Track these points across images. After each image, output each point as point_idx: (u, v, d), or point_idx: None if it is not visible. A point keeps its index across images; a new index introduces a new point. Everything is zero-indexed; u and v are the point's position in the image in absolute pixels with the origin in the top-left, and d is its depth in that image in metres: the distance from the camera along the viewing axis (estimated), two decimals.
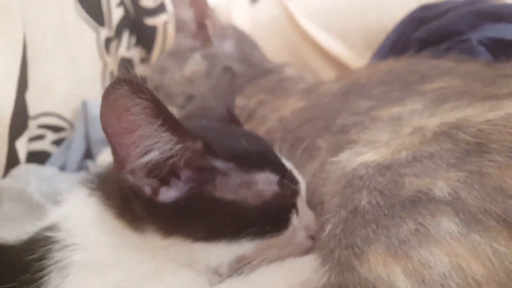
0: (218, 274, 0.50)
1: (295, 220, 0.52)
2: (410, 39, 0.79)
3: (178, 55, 0.92)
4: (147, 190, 0.45)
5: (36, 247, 0.49)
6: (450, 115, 0.46)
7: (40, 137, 0.98)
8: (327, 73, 0.98)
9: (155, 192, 0.46)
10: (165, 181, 0.46)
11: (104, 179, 0.54)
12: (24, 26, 0.89)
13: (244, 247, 0.49)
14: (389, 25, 0.88)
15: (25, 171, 0.83)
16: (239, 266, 0.50)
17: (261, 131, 0.71)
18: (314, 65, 1.00)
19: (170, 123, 0.43)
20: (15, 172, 0.84)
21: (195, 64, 0.89)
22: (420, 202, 0.39)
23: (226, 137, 0.51)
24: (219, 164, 0.48)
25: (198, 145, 0.46)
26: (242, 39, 0.95)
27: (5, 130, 0.86)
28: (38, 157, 0.96)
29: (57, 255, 0.47)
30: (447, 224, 0.37)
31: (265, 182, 0.50)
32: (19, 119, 0.89)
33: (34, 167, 0.86)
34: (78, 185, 0.56)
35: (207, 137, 0.47)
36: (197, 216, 0.47)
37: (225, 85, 0.63)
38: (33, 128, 0.96)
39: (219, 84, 0.63)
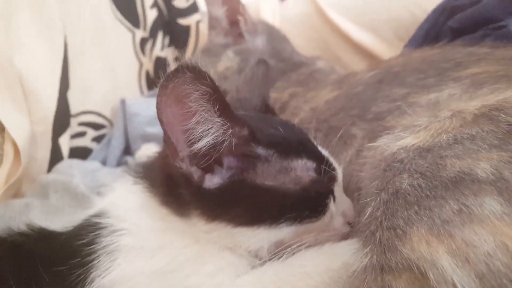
0: (258, 258, 0.51)
1: (332, 206, 0.52)
2: (443, 29, 0.78)
3: (211, 52, 0.93)
4: (196, 177, 0.46)
5: (85, 233, 0.51)
6: (490, 97, 0.45)
7: (81, 134, 1.01)
8: (358, 66, 0.97)
9: (201, 179, 0.47)
10: (209, 169, 0.47)
11: (148, 168, 0.56)
12: (64, 28, 0.93)
13: (283, 232, 0.49)
14: (420, 16, 0.87)
15: (69, 165, 0.86)
16: (279, 251, 0.50)
17: (294, 122, 0.71)
18: (344, 58, 1.00)
19: (224, 109, 0.44)
20: (59, 166, 0.87)
21: (228, 60, 0.90)
22: (463, 183, 0.38)
23: (264, 125, 0.52)
24: (261, 151, 0.49)
25: (245, 131, 0.47)
26: (272, 34, 0.95)
27: (49, 128, 0.89)
28: (79, 153, 0.99)
29: (105, 240, 0.49)
30: (491, 204, 0.36)
31: (303, 169, 0.50)
32: (62, 117, 0.93)
33: (77, 161, 0.89)
34: (123, 175, 0.58)
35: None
36: (239, 202, 0.48)
37: (260, 77, 0.64)
38: (74, 125, 1.00)
39: (254, 76, 0.64)
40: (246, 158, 0.48)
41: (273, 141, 0.50)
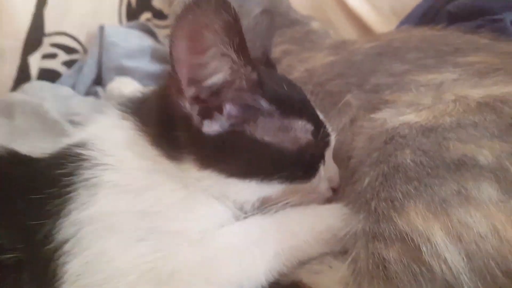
0: (243, 211, 0.50)
1: (322, 170, 0.52)
2: (441, 12, 0.78)
3: None
4: (196, 119, 0.44)
5: (65, 162, 0.47)
6: (494, 88, 0.46)
7: (52, 56, 0.94)
8: (349, 33, 0.96)
9: (200, 123, 0.45)
10: (208, 115, 0.45)
11: (140, 104, 0.52)
12: None
13: (273, 189, 0.49)
14: None
15: (39, 88, 0.80)
16: (264, 207, 0.50)
17: None
18: (336, 22, 0.97)
19: (242, 45, 0.41)
20: (28, 87, 0.81)
21: None
22: (464, 166, 0.39)
23: (269, 80, 0.50)
24: (264, 103, 0.47)
25: (254, 75, 0.44)
26: None
27: (20, 44, 0.83)
28: (48, 75, 0.92)
29: (87, 173, 0.46)
30: (488, 190, 0.38)
31: (302, 130, 0.50)
32: (35, 35, 0.86)
33: (48, 85, 0.83)
34: (109, 108, 0.54)
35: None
36: (235, 153, 0.47)
37: (263, 27, 0.60)
38: (46, 45, 0.92)
39: (256, 26, 0.60)
40: (248, 109, 0.47)
41: (277, 97, 0.48)
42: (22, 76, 0.85)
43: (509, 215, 0.36)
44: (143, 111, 0.51)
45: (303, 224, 0.49)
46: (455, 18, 0.75)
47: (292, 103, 0.50)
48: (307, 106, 0.52)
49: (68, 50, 0.96)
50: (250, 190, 0.48)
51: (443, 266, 0.36)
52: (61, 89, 0.84)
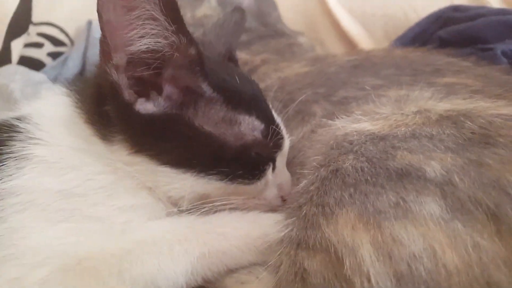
0: (177, 207, 0.46)
1: (269, 175, 0.48)
2: (433, 37, 0.74)
3: None
4: (127, 94, 0.41)
5: None
6: (461, 103, 0.41)
7: (38, 45, 0.92)
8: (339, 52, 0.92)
9: (133, 99, 0.41)
10: (144, 93, 0.42)
11: (84, 82, 0.49)
12: None
13: (211, 185, 0.44)
14: (413, 20, 0.83)
15: (14, 70, 0.78)
16: (201, 203, 0.45)
17: None
18: (328, 42, 0.94)
19: (172, 7, 0.38)
20: (3, 69, 0.79)
21: (209, 8, 0.82)
22: (408, 177, 0.34)
23: (221, 70, 0.46)
24: (206, 88, 0.43)
25: (192, 50, 0.41)
26: None
27: (3, 27, 0.80)
28: (31, 64, 0.90)
29: (18, 145, 0.43)
30: (431, 205, 0.32)
31: (248, 126, 0.45)
32: (21, 20, 0.84)
33: (23, 69, 0.81)
34: (59, 84, 0.51)
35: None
36: (171, 138, 0.43)
37: (232, 24, 0.57)
38: (33, 34, 0.90)
39: (225, 22, 0.57)
40: (189, 93, 0.43)
41: (224, 86, 0.44)
42: (3, 60, 0.83)
43: (450, 237, 0.31)
44: (85, 88, 0.47)
45: (238, 228, 0.44)
46: (446, 44, 0.71)
47: (241, 96, 0.46)
48: (259, 103, 0.48)
49: (55, 41, 0.94)
50: (185, 183, 0.44)
51: (366, 285, 0.30)
52: (35, 75, 0.81)
